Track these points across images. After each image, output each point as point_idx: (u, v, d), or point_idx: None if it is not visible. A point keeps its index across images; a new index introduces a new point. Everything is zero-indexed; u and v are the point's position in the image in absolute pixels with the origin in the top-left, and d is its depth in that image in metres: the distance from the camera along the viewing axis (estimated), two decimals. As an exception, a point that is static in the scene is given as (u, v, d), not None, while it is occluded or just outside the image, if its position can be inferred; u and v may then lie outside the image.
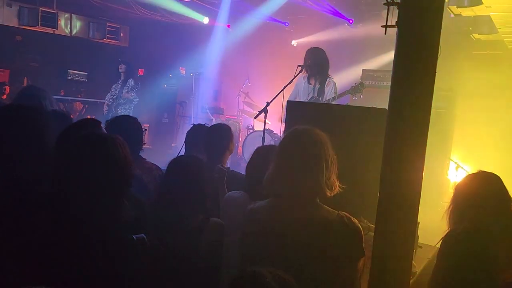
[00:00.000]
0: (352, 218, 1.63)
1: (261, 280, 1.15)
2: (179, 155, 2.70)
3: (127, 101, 7.01)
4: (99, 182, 1.44)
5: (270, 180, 1.69)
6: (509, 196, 2.01)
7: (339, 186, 1.69)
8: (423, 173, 1.49)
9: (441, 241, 1.85)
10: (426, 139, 1.47)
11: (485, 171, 2.09)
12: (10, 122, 1.81)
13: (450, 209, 2.09)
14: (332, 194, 1.67)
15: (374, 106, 2.22)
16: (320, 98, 4.68)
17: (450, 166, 5.67)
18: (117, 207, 1.49)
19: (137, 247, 1.49)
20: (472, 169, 5.76)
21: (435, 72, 1.44)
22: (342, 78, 6.41)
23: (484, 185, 2.02)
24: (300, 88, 4.90)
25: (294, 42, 8.65)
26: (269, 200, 1.73)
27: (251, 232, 1.71)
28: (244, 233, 1.74)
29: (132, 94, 6.98)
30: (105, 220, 1.45)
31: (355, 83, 4.82)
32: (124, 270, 1.45)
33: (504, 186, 2.03)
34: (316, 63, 4.65)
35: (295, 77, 4.69)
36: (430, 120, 1.46)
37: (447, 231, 1.95)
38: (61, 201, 1.45)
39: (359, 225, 1.64)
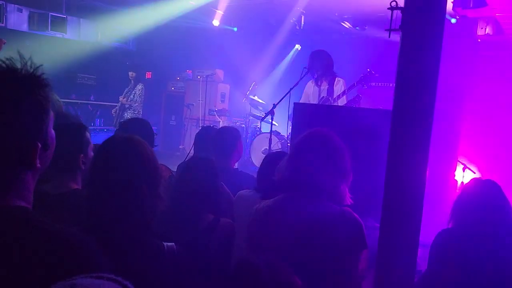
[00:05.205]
0: (352, 212, 1.68)
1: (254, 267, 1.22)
2: (190, 156, 2.76)
3: (129, 107, 7.15)
4: (132, 184, 1.42)
5: (287, 170, 1.74)
6: (507, 202, 2.08)
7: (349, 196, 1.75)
8: (429, 175, 1.53)
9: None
10: (430, 141, 1.51)
11: (488, 180, 2.17)
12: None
13: (452, 209, 2.19)
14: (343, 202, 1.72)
15: (380, 108, 2.26)
16: (330, 98, 4.70)
17: (457, 167, 5.66)
18: (151, 208, 1.47)
19: (166, 255, 1.47)
20: (478, 170, 5.79)
21: (438, 74, 1.48)
22: (347, 80, 6.44)
23: (483, 190, 2.12)
24: (310, 93, 4.92)
25: (297, 46, 8.66)
26: (276, 199, 1.76)
27: (258, 231, 1.75)
28: (251, 232, 1.78)
29: (137, 101, 7.15)
30: (137, 223, 1.43)
31: (363, 74, 4.80)
32: (149, 276, 1.42)
33: (502, 193, 2.11)
34: (322, 65, 4.71)
35: (301, 78, 4.73)
36: (436, 122, 1.50)
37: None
38: (94, 205, 1.44)
39: (359, 219, 1.68)
